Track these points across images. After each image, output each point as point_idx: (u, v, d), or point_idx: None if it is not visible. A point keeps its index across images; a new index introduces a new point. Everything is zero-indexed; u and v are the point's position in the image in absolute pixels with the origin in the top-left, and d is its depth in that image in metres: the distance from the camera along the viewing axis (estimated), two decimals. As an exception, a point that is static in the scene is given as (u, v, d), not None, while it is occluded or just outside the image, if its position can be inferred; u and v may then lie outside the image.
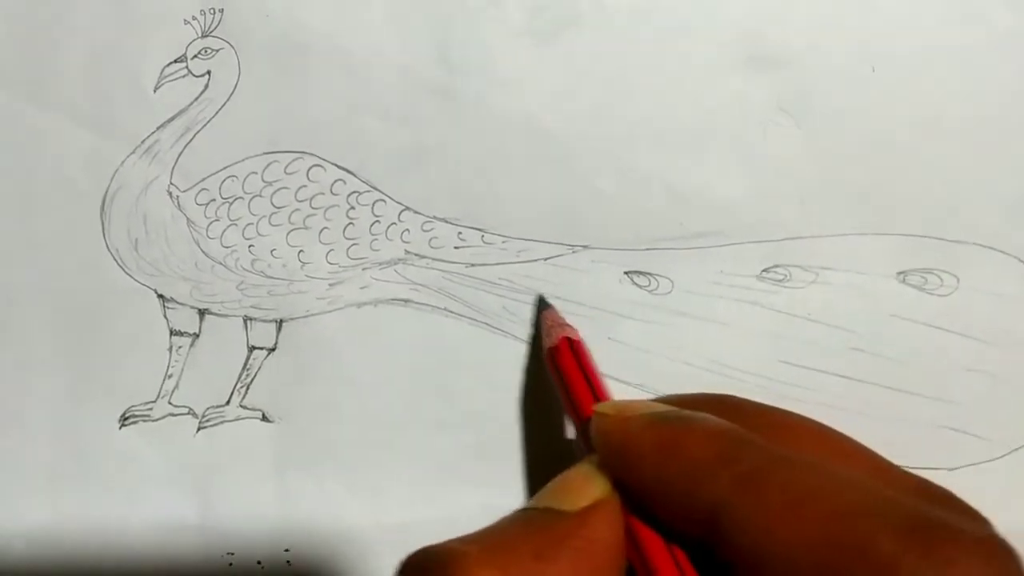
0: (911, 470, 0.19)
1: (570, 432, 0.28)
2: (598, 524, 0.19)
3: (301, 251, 0.30)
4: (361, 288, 0.30)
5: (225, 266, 0.30)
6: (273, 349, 0.30)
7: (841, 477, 0.17)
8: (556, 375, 0.26)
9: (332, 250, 0.30)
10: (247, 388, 0.30)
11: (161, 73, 0.30)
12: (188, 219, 0.30)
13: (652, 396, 0.26)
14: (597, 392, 0.24)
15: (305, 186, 0.30)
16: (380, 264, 0.30)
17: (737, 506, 0.17)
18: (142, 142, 0.30)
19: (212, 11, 0.29)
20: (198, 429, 0.30)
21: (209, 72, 0.29)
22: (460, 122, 0.29)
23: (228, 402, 0.30)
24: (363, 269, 0.30)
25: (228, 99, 0.30)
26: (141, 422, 0.30)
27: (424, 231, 0.30)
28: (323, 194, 0.30)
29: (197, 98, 0.30)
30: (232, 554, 0.30)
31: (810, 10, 0.29)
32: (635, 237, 0.30)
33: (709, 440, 0.18)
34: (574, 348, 0.26)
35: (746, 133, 0.29)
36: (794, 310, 0.30)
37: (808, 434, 0.20)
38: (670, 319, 0.30)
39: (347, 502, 0.30)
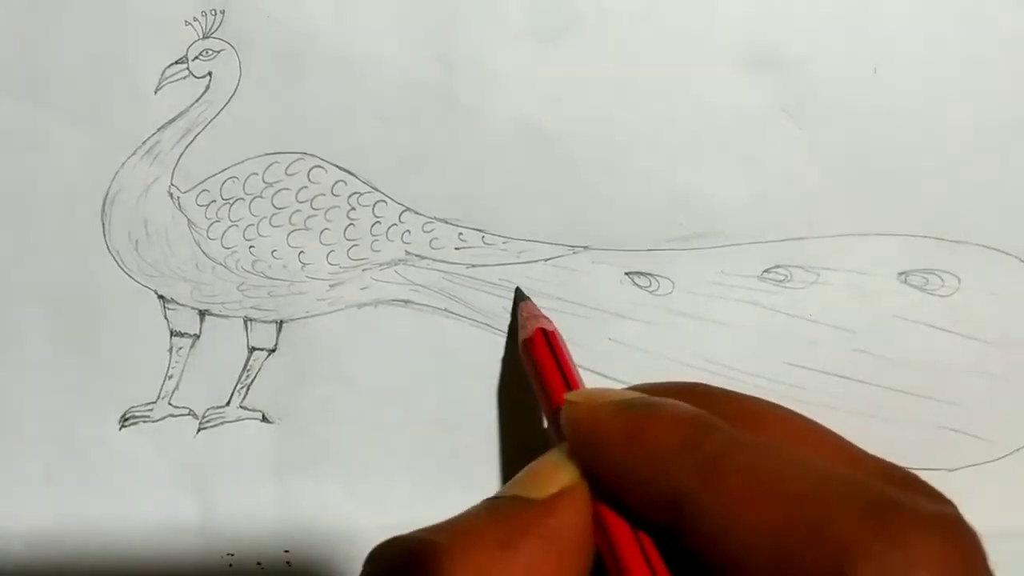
0: (912, 471, 0.19)
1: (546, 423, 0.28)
2: (565, 511, 0.19)
3: (302, 252, 0.30)
4: (361, 289, 0.30)
5: (226, 267, 0.30)
6: (273, 350, 0.30)
7: (801, 461, 0.17)
8: (531, 366, 0.25)
9: (333, 251, 0.30)
10: (247, 389, 0.30)
11: (162, 74, 0.30)
12: (189, 220, 0.30)
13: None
14: (570, 382, 0.24)
15: (306, 187, 0.30)
16: (381, 265, 0.30)
17: (699, 491, 0.17)
18: (143, 143, 0.30)
19: (213, 12, 0.29)
20: (198, 430, 0.30)
21: (210, 73, 0.30)
22: (461, 123, 0.29)
23: (228, 403, 0.30)
24: (364, 270, 0.30)
25: (229, 100, 0.30)
26: (141, 423, 0.30)
27: (425, 232, 0.30)
28: (324, 195, 0.30)
29: (198, 99, 0.30)
30: (232, 555, 0.30)
31: (811, 11, 0.29)
32: (636, 238, 0.30)
33: (675, 426, 0.18)
34: (548, 339, 0.26)
35: (747, 134, 0.29)
36: (795, 311, 0.30)
37: (776, 420, 0.20)
38: (671, 320, 0.30)
39: (347, 503, 0.30)
